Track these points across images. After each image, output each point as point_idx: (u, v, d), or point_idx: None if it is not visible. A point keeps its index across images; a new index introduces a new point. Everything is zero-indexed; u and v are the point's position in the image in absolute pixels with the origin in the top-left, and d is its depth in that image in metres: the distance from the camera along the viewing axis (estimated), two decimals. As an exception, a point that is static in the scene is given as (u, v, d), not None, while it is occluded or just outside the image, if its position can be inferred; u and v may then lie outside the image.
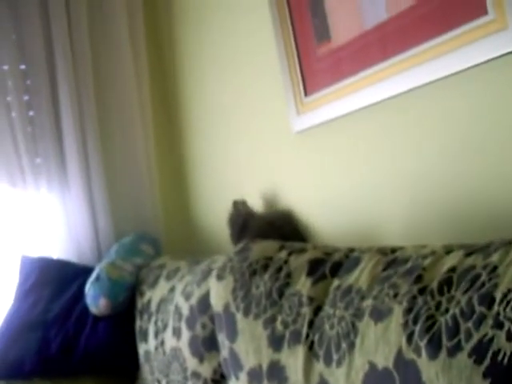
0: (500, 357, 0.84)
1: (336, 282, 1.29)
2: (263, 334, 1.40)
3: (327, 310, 1.25)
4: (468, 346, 0.88)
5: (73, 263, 2.53)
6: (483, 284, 0.93)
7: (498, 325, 0.86)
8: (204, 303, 1.74)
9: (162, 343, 1.96)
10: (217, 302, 1.61)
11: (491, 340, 0.86)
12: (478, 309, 0.90)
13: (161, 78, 2.85)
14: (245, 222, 2.07)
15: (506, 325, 0.86)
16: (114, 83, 2.66)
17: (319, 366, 1.22)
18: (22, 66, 2.56)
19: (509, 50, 1.23)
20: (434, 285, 1.02)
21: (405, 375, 0.99)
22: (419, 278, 1.07)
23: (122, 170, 2.68)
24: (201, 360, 1.76)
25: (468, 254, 1.04)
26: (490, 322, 0.88)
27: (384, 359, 1.04)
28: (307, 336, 1.27)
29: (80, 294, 2.33)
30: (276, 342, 1.36)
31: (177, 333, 1.86)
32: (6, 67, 2.52)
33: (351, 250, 1.37)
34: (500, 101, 1.30)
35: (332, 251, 1.41)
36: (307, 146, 1.93)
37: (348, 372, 1.13)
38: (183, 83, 2.72)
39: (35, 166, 2.55)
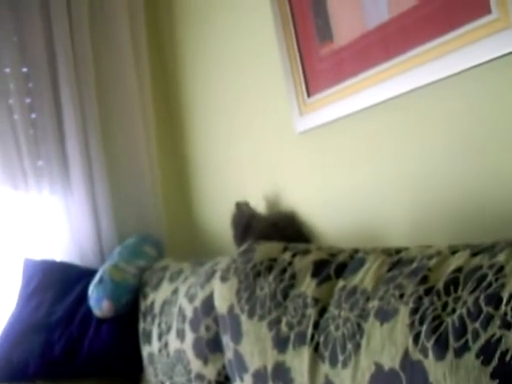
0: (508, 357, 0.84)
1: (341, 283, 1.28)
2: (268, 335, 1.40)
3: (332, 311, 1.25)
4: (475, 347, 0.88)
5: (76, 266, 2.53)
6: (490, 284, 0.93)
7: (506, 325, 0.86)
8: (208, 305, 1.74)
9: (166, 345, 1.95)
10: (221, 304, 1.60)
11: (499, 340, 0.85)
12: (485, 309, 0.90)
13: (162, 79, 2.85)
14: (248, 224, 2.07)
15: (514, 325, 0.85)
16: (115, 85, 2.66)
17: (325, 368, 1.21)
18: (24, 69, 2.56)
19: (512, 49, 1.23)
20: (440, 285, 1.02)
21: (411, 376, 0.98)
22: (425, 279, 1.07)
23: (124, 172, 2.68)
24: (205, 362, 1.76)
25: (474, 254, 1.04)
26: (497, 322, 0.87)
27: (390, 360, 1.03)
28: (312, 337, 1.27)
29: (83, 296, 2.33)
30: (281, 344, 1.35)
31: (181, 335, 1.85)
32: (7, 70, 2.51)
33: (356, 251, 1.36)
34: (502, 100, 1.30)
35: (336, 252, 1.40)
36: (310, 146, 1.93)
37: (354, 373, 1.12)
38: (185, 84, 2.71)
39: (37, 168, 2.55)
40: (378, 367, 1.07)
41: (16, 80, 2.51)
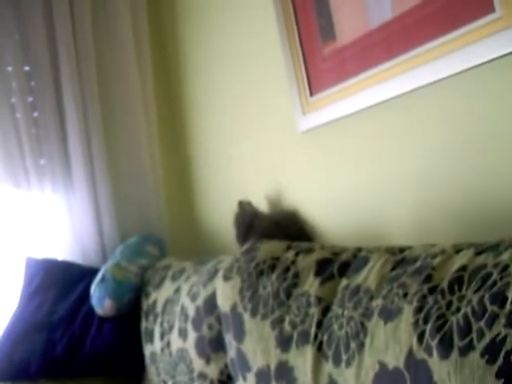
0: (513, 356, 0.83)
1: (344, 282, 1.28)
2: (271, 334, 1.40)
3: (336, 310, 1.24)
4: (480, 346, 0.88)
5: (78, 264, 2.53)
6: (495, 283, 0.92)
7: (511, 324, 0.86)
8: (210, 304, 1.74)
9: (168, 344, 1.95)
10: (224, 303, 1.60)
11: (504, 339, 0.85)
12: (490, 308, 0.90)
13: (165, 77, 2.85)
14: (250, 223, 2.07)
15: (520, 324, 0.85)
16: (118, 83, 2.66)
17: (328, 367, 1.21)
18: (26, 68, 2.55)
19: (516, 48, 1.22)
20: (445, 284, 1.02)
21: (416, 375, 0.98)
22: (429, 278, 1.06)
23: (126, 171, 2.68)
24: (207, 361, 1.75)
25: (478, 253, 1.03)
26: (502, 321, 0.87)
27: (394, 359, 1.03)
28: (316, 336, 1.27)
29: (85, 295, 2.33)
30: (284, 343, 1.35)
31: (183, 334, 1.85)
32: (10, 69, 2.51)
33: (359, 250, 1.36)
34: (503, 100, 1.29)
35: (340, 251, 1.40)
36: (312, 145, 1.93)
37: (357, 372, 1.12)
38: (187, 83, 2.71)
39: (39, 167, 2.55)
40: (382, 366, 1.06)
41: (18, 78, 2.51)
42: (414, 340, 1.00)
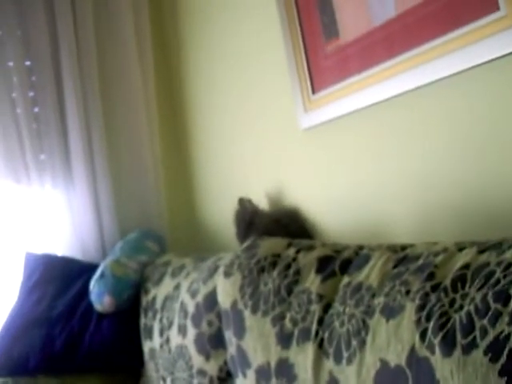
0: (517, 354, 0.83)
1: (346, 280, 1.28)
2: (272, 331, 1.39)
3: (337, 307, 1.24)
4: (483, 344, 0.87)
5: (77, 260, 2.52)
6: (498, 281, 0.92)
7: (515, 322, 0.86)
8: (210, 300, 1.74)
9: (167, 341, 1.95)
10: (224, 299, 1.60)
11: (507, 337, 0.84)
12: (494, 306, 0.89)
13: (166, 75, 2.85)
14: (251, 220, 2.07)
15: (523, 322, 0.85)
16: (119, 80, 2.66)
17: (329, 364, 1.21)
18: (27, 63, 2.55)
19: (521, 46, 1.22)
20: (448, 282, 1.01)
21: (418, 373, 0.98)
22: (431, 275, 1.06)
23: (127, 167, 2.68)
24: (207, 358, 1.75)
25: (481, 251, 1.03)
26: (506, 319, 0.86)
27: (396, 356, 1.03)
28: (317, 333, 1.26)
29: (84, 291, 2.32)
30: (285, 340, 1.35)
31: (182, 330, 1.85)
32: (11, 63, 2.51)
33: (360, 248, 1.36)
34: (504, 100, 1.29)
35: (341, 248, 1.40)
36: (314, 143, 1.92)
37: (359, 370, 1.12)
38: (189, 80, 2.71)
39: (40, 162, 2.54)
40: (384, 364, 1.06)
41: (19, 74, 2.51)
42: (417, 338, 1.00)
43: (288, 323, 1.35)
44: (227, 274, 1.61)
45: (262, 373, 1.41)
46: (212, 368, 1.74)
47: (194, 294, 1.83)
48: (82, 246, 2.58)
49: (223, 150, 2.50)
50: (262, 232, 1.90)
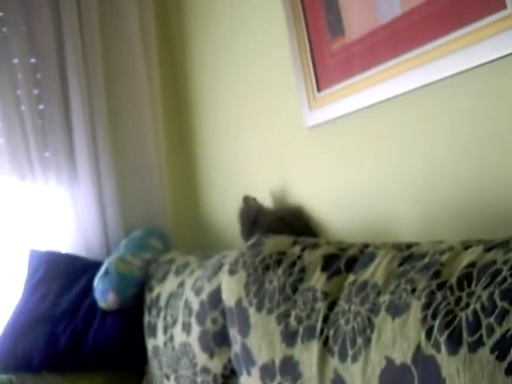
0: (524, 353, 0.83)
1: (351, 278, 1.27)
2: (276, 329, 1.39)
3: (342, 305, 1.24)
4: (490, 342, 0.87)
5: (81, 257, 2.52)
6: (505, 279, 0.92)
7: (522, 320, 0.85)
8: (215, 298, 1.73)
9: (171, 338, 1.95)
10: (229, 297, 1.59)
11: (514, 335, 0.85)
12: (500, 304, 0.89)
13: (171, 71, 2.85)
14: (255, 218, 2.06)
15: (530, 320, 0.85)
16: (124, 77, 2.66)
17: (334, 362, 1.20)
18: (32, 60, 2.55)
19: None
20: (454, 280, 1.01)
21: (423, 371, 0.98)
22: (437, 274, 1.06)
23: (131, 164, 2.68)
24: (211, 355, 1.75)
25: (487, 250, 1.03)
26: (512, 317, 0.86)
27: (402, 355, 1.03)
28: (322, 331, 1.26)
29: (88, 288, 2.32)
30: (289, 338, 1.35)
31: (186, 328, 1.85)
32: (16, 60, 2.51)
33: (366, 246, 1.35)
34: (506, 100, 1.29)
35: (346, 247, 1.39)
36: (319, 141, 1.92)
37: (364, 368, 1.11)
38: (194, 77, 2.71)
39: (44, 159, 2.54)
40: (389, 362, 1.06)
41: (24, 71, 2.51)
42: (422, 336, 0.99)
43: (293, 321, 1.35)
44: (232, 272, 1.60)
45: (267, 370, 1.41)
46: (216, 366, 1.74)
47: (198, 292, 1.83)
48: (87, 244, 2.58)
49: (228, 148, 2.49)
50: (266, 230, 1.90)
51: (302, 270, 1.41)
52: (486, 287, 0.94)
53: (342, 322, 1.21)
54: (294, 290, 1.39)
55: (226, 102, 2.46)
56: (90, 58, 2.57)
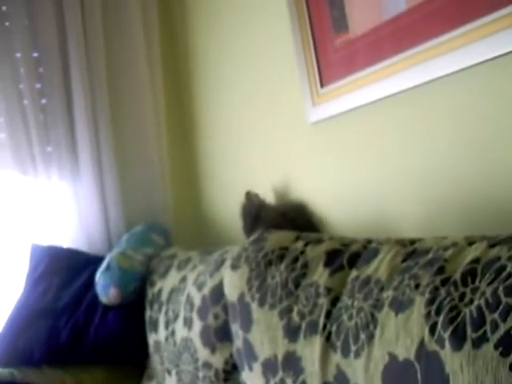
0: (528, 349, 0.83)
1: (354, 273, 1.27)
2: (279, 324, 1.39)
3: (345, 300, 1.24)
4: (494, 338, 0.87)
5: (83, 252, 2.53)
6: (509, 275, 0.91)
7: (526, 316, 0.85)
8: (217, 293, 1.73)
9: (173, 333, 1.95)
10: (231, 292, 1.59)
11: (519, 331, 0.84)
12: (505, 300, 0.89)
13: (174, 67, 2.84)
14: (257, 214, 2.06)
15: (535, 316, 0.84)
16: (126, 72, 2.65)
17: (336, 357, 1.20)
18: (35, 54, 2.55)
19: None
20: (457, 276, 1.01)
21: (427, 367, 0.97)
22: (441, 269, 1.05)
23: (133, 160, 2.68)
24: (212, 350, 1.75)
25: (491, 246, 1.02)
26: (517, 313, 0.86)
27: (405, 350, 1.02)
28: (324, 327, 1.26)
29: (90, 283, 2.33)
30: (292, 333, 1.34)
31: (188, 323, 1.85)
32: (18, 55, 2.51)
33: (369, 242, 1.35)
34: (507, 97, 1.29)
35: (349, 242, 1.39)
36: (321, 137, 1.92)
37: (367, 363, 1.11)
38: (197, 73, 2.70)
39: (46, 153, 2.54)
40: (392, 358, 1.05)
41: (26, 65, 2.50)
42: (426, 331, 0.99)
43: (295, 316, 1.35)
44: (234, 267, 1.60)
45: (269, 366, 1.41)
46: (218, 361, 1.74)
47: (200, 287, 1.83)
48: (88, 238, 2.58)
49: (230, 142, 2.49)
50: (268, 226, 1.89)
51: (305, 266, 1.40)
52: (490, 283, 0.94)
53: (344, 317, 1.21)
54: (297, 285, 1.39)
55: (228, 97, 2.46)
56: (92, 53, 2.57)
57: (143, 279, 2.29)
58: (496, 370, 0.85)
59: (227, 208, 2.55)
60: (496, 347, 0.86)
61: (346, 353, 1.18)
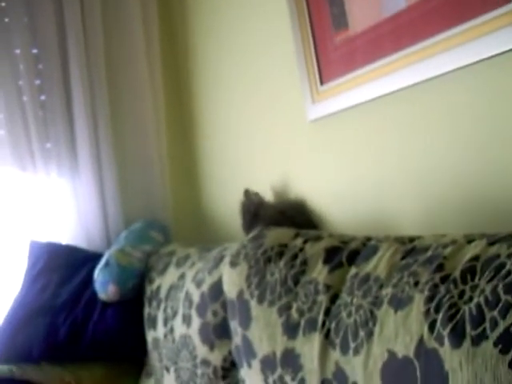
0: (527, 346, 0.83)
1: (353, 270, 1.27)
2: (278, 321, 1.39)
3: (344, 297, 1.24)
4: (493, 335, 0.87)
5: (82, 249, 2.52)
6: (509, 273, 0.91)
7: (526, 314, 0.85)
8: (216, 290, 1.73)
9: (171, 330, 1.95)
10: (230, 289, 1.59)
11: (518, 329, 0.85)
12: (504, 297, 0.89)
13: (174, 64, 2.84)
14: (256, 211, 2.06)
15: (534, 314, 0.84)
16: (126, 69, 2.65)
17: (335, 355, 1.20)
18: (34, 50, 2.54)
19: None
20: (457, 273, 1.01)
21: (426, 364, 0.97)
22: (440, 267, 1.05)
23: (132, 156, 2.68)
24: (211, 348, 1.75)
25: (491, 244, 1.02)
26: (516, 310, 0.86)
27: (404, 348, 1.02)
28: (323, 324, 1.26)
29: (89, 279, 2.32)
30: (291, 330, 1.34)
31: (187, 320, 1.85)
32: (17, 51, 2.50)
33: (368, 239, 1.35)
34: (507, 95, 1.29)
35: (349, 239, 1.39)
36: (321, 135, 1.92)
37: (365, 360, 1.11)
38: (196, 70, 2.70)
39: (45, 150, 2.54)
40: (391, 355, 1.06)
41: (26, 61, 2.50)
42: (425, 329, 0.99)
43: (294, 313, 1.35)
44: (233, 264, 1.60)
45: (268, 363, 1.41)
46: (216, 358, 1.74)
47: (199, 284, 1.83)
48: (87, 235, 2.58)
49: (229, 140, 2.49)
50: (267, 223, 1.89)
51: (304, 263, 1.40)
52: (489, 281, 0.94)
53: (343, 314, 1.21)
54: (296, 282, 1.39)
55: (228, 95, 2.45)
56: (92, 50, 2.56)
57: (142, 276, 2.29)
58: (495, 367, 0.85)
59: (226, 205, 2.55)
60: (495, 345, 0.86)
61: (345, 350, 1.18)
